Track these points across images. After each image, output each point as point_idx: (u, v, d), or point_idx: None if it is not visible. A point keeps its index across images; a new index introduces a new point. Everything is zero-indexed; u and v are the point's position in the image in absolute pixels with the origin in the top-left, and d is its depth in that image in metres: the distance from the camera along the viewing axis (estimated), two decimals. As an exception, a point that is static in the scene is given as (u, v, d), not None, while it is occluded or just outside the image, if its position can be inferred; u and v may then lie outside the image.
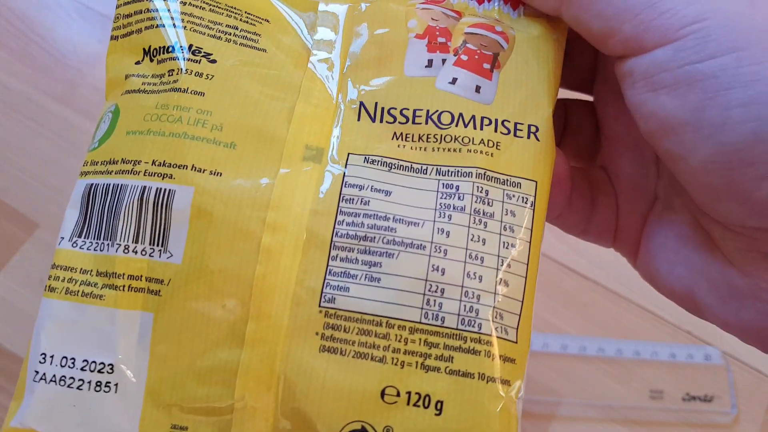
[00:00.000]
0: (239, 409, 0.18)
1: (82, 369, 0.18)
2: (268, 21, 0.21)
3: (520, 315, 0.18)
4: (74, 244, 0.19)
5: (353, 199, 0.18)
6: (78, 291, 0.19)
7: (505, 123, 0.20)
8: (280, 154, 0.19)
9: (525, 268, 0.18)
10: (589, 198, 0.23)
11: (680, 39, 0.16)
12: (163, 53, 0.20)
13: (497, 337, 0.18)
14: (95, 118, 0.51)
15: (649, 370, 0.45)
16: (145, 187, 0.19)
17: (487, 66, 0.20)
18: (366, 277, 0.18)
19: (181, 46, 0.20)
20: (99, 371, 0.18)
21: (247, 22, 0.21)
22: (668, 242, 0.20)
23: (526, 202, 0.19)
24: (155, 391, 0.18)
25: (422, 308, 0.18)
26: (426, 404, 0.17)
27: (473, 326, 0.18)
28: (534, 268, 0.18)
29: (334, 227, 0.18)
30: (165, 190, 0.19)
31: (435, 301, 0.18)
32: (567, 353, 0.45)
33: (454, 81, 0.20)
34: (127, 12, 0.21)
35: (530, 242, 0.19)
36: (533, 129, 0.19)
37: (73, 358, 0.18)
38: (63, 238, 0.20)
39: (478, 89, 0.20)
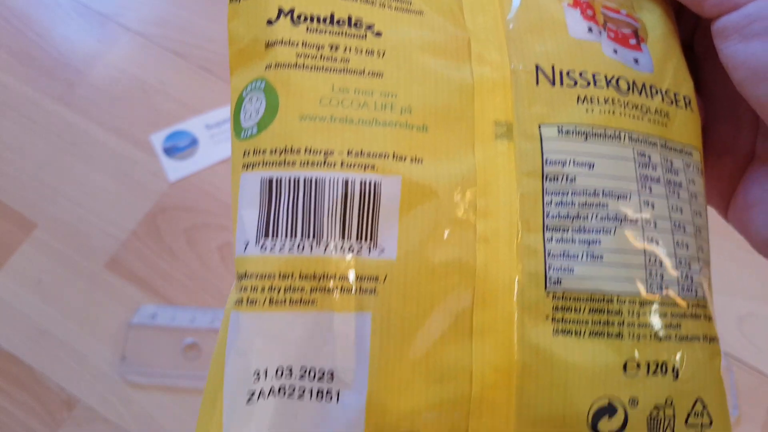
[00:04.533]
0: (476, 405, 0.17)
1: (300, 377, 0.17)
2: None
3: (709, 271, 0.19)
4: (263, 248, 0.17)
5: (558, 177, 0.18)
6: (285, 299, 0.17)
7: (668, 93, 0.20)
8: (472, 134, 0.18)
9: (708, 233, 0.19)
10: None
11: None
12: (316, 22, 0.18)
13: (706, 299, 0.19)
14: (94, 118, 0.51)
15: (649, 371, 0.45)
16: (347, 179, 0.17)
17: (633, 42, 0.20)
18: (588, 255, 0.17)
19: (338, 20, 0.18)
20: (319, 379, 0.17)
21: None
22: (764, 195, 0.21)
23: (699, 171, 0.19)
24: (380, 397, 0.17)
25: (646, 280, 0.18)
26: (664, 371, 0.17)
27: (692, 293, 0.18)
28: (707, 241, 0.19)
29: (543, 209, 0.18)
30: (371, 182, 0.17)
31: (656, 272, 0.18)
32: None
33: (615, 51, 0.20)
34: None
35: (706, 209, 0.19)
36: (687, 100, 0.20)
37: (290, 367, 0.17)
38: (248, 242, 0.17)
39: (636, 61, 0.20)
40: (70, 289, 0.46)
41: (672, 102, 0.20)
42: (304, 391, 0.17)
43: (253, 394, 0.17)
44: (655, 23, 0.21)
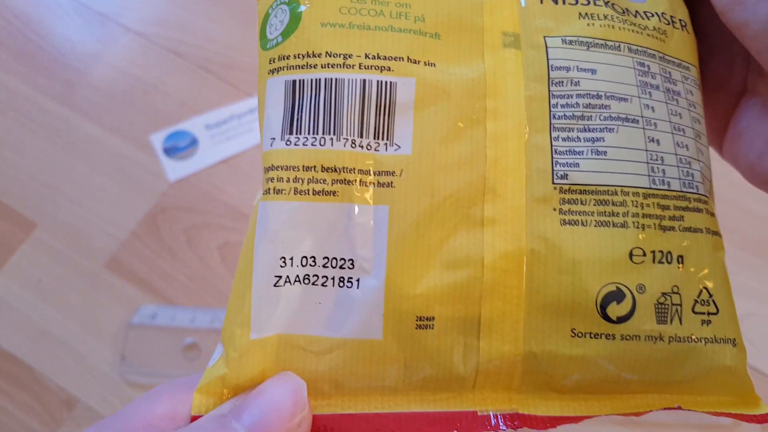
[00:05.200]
0: (488, 290, 0.18)
1: (324, 266, 0.18)
2: None
3: (710, 180, 0.21)
4: (288, 142, 0.18)
5: (563, 81, 0.19)
6: (308, 189, 0.18)
7: (664, 15, 0.21)
8: (481, 42, 0.20)
9: (707, 140, 0.21)
10: None
11: None
12: None
13: (707, 197, 0.20)
14: (94, 118, 0.51)
15: (649, 371, 0.45)
16: (365, 80, 0.19)
17: None
18: (592, 152, 0.19)
19: None
20: (341, 267, 0.18)
21: None
22: (751, 123, 0.23)
23: (696, 84, 0.21)
24: (397, 283, 0.18)
25: (649, 175, 0.19)
26: (669, 260, 0.19)
27: (693, 188, 0.19)
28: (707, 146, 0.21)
29: (549, 110, 0.19)
30: (387, 82, 0.19)
31: (658, 168, 0.19)
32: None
33: None
34: None
35: (703, 119, 0.21)
36: (683, 23, 0.21)
37: (313, 257, 0.18)
38: (273, 138, 0.19)
39: None
40: (70, 289, 0.46)
41: (669, 23, 0.21)
42: (327, 279, 0.18)
43: (280, 278, 0.18)
44: None
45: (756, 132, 0.22)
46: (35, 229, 0.47)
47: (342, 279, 0.18)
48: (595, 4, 0.20)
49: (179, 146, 0.51)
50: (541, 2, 0.20)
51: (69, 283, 0.46)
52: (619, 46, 0.20)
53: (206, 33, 0.55)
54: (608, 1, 0.20)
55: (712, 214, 0.20)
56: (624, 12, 0.20)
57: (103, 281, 0.46)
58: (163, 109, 0.52)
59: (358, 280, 0.18)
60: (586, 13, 0.20)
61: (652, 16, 0.21)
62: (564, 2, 0.20)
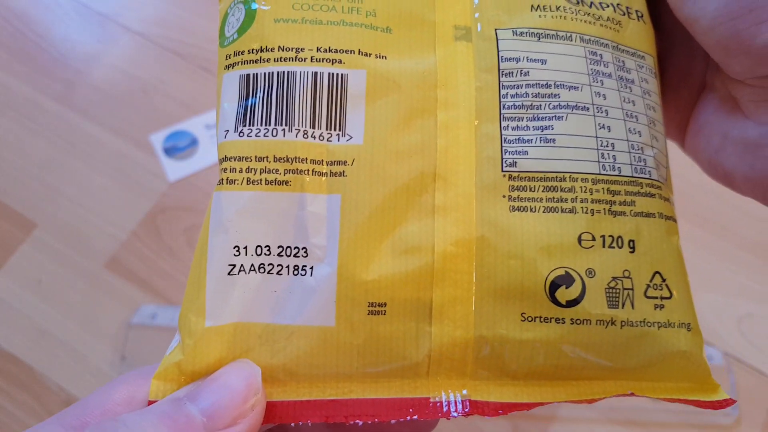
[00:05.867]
0: (439, 276, 0.19)
1: (278, 255, 0.19)
2: None
3: (667, 166, 0.21)
4: (241, 134, 0.19)
5: (512, 72, 0.20)
6: (261, 179, 0.19)
7: (620, 6, 0.21)
8: (433, 36, 0.20)
9: (663, 128, 0.21)
10: None
11: None
12: None
13: (661, 182, 0.20)
14: (94, 118, 0.51)
15: (649, 371, 0.45)
16: (316, 72, 0.19)
17: None
18: (540, 140, 0.19)
19: None
20: (295, 255, 0.19)
21: None
22: (709, 119, 0.23)
23: (652, 73, 0.21)
24: (349, 270, 0.18)
25: (599, 161, 0.19)
26: (620, 244, 0.19)
27: (645, 173, 0.20)
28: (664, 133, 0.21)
29: (500, 100, 0.20)
30: (338, 74, 0.19)
31: (609, 154, 0.19)
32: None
33: None
34: None
35: (660, 106, 0.21)
36: (639, 14, 0.21)
37: (267, 246, 0.19)
38: (227, 131, 0.19)
39: None
40: (70, 289, 0.46)
41: (624, 13, 0.21)
42: (281, 267, 0.18)
43: (234, 266, 0.18)
44: None
45: (713, 128, 0.23)
46: (35, 229, 0.48)
47: (296, 267, 0.18)
48: None
49: (179, 146, 0.51)
50: None
51: (69, 283, 0.46)
52: (570, 36, 0.20)
53: (206, 33, 0.55)
54: None
55: (667, 199, 0.20)
56: (578, 2, 0.21)
57: (103, 281, 0.46)
58: (163, 109, 0.52)
59: (311, 268, 0.18)
60: (539, 5, 0.20)
61: (607, 6, 0.21)
62: None
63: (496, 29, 0.20)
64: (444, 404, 0.19)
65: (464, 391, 0.19)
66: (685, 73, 0.24)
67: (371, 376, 0.19)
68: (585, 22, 0.20)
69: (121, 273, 0.46)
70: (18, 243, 0.47)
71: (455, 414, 0.18)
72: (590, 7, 0.21)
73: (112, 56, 0.54)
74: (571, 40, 0.20)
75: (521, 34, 0.20)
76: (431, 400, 0.19)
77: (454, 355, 0.19)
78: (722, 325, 0.45)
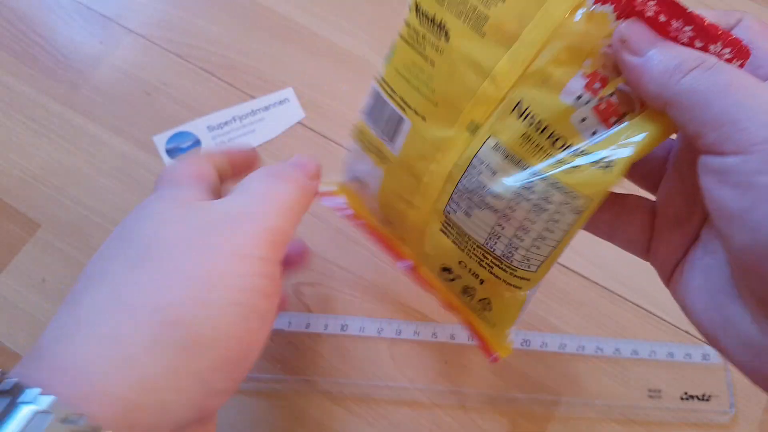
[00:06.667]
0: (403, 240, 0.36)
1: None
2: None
3: (540, 264, 0.28)
4: (366, 121, 0.33)
5: (475, 167, 0.28)
6: (367, 147, 0.34)
7: (599, 159, 0.24)
8: (456, 120, 0.28)
9: (554, 245, 0.27)
10: (616, 212, 0.29)
11: (750, 153, 0.19)
12: (427, 22, 0.28)
13: (520, 268, 0.28)
14: (97, 119, 0.52)
15: (647, 370, 0.45)
16: (394, 109, 0.31)
17: (613, 120, 0.24)
18: (464, 212, 0.29)
19: (438, 23, 0.28)
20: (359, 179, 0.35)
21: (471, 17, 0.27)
22: (706, 285, 0.24)
23: (575, 211, 0.25)
24: (384, 196, 0.34)
25: (486, 239, 0.29)
26: (472, 297, 0.33)
27: (509, 258, 0.28)
28: (560, 248, 0.27)
29: (461, 179, 0.29)
30: (400, 117, 0.31)
31: (493, 239, 0.28)
32: (565, 353, 0.45)
33: (583, 120, 0.25)
34: None
35: (565, 233, 0.26)
36: (613, 163, 0.24)
37: (352, 170, 0.36)
38: (365, 114, 0.33)
39: (594, 133, 0.25)
40: (73, 289, 0.46)
41: (595, 164, 0.24)
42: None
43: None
44: (644, 128, 0.24)
45: (699, 288, 0.24)
46: (39, 229, 0.48)
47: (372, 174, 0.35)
48: (540, 132, 0.26)
49: (182, 147, 0.51)
50: (511, 112, 0.26)
51: (72, 282, 0.46)
52: (525, 167, 0.26)
53: (208, 35, 0.55)
54: (557, 138, 0.25)
55: (519, 277, 0.29)
56: (563, 147, 0.25)
57: (106, 281, 0.46)
58: (165, 111, 0.52)
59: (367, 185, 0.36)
60: (530, 137, 0.26)
61: (586, 157, 0.25)
62: (525, 119, 0.26)
63: (490, 135, 0.27)
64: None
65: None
66: (683, 218, 0.26)
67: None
68: (551, 165, 0.25)
69: (124, 273, 0.46)
70: (22, 243, 0.47)
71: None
72: (570, 154, 0.25)
73: (115, 58, 0.54)
74: (523, 169, 0.26)
75: (497, 148, 0.27)
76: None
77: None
78: (719, 325, 0.46)
